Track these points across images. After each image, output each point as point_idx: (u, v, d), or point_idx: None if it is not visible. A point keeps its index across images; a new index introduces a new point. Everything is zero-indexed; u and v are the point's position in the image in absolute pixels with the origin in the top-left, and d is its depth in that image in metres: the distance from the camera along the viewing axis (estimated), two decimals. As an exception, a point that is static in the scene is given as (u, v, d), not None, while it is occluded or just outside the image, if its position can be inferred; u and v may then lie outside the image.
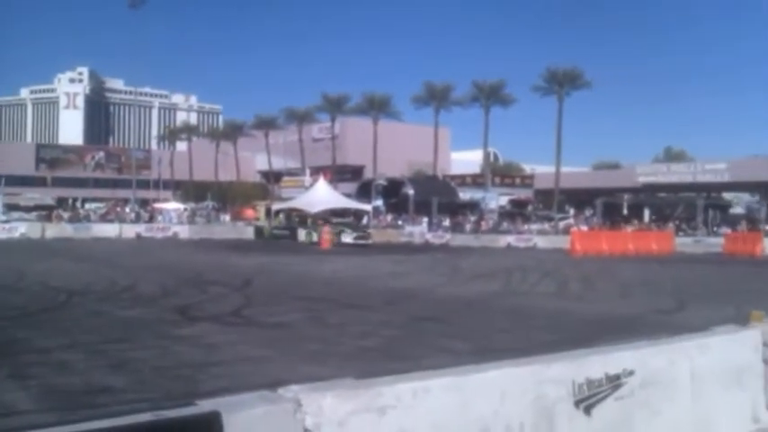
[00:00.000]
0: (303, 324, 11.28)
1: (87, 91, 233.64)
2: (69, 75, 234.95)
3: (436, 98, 66.23)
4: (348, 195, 52.45)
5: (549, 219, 48.28)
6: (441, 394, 3.52)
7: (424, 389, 3.47)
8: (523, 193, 63.25)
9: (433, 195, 49.40)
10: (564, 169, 60.03)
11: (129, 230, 42.06)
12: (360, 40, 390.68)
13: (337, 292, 15.90)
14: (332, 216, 41.78)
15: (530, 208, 57.62)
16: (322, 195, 44.14)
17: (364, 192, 57.72)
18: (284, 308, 13.00)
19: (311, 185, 51.66)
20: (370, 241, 37.38)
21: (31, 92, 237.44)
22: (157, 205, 57.53)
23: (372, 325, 11.05)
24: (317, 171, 62.34)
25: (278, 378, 6.63)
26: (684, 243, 35.96)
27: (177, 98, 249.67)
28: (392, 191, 57.06)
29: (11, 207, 50.80)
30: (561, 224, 45.06)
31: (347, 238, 36.58)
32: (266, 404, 2.97)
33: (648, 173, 55.58)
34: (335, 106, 72.03)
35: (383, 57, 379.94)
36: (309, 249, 33.75)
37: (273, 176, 75.29)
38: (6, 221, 41.34)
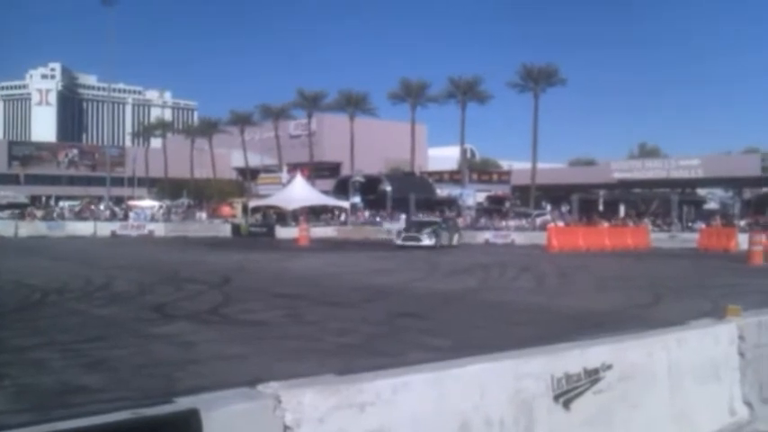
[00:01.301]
0: (282, 321, 11.23)
1: (60, 87, 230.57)
2: (41, 71, 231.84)
3: (412, 95, 66.31)
4: (326, 192, 52.38)
5: (527, 215, 48.54)
6: (421, 390, 3.52)
7: (404, 384, 3.46)
8: (500, 190, 63.52)
9: (410, 192, 49.47)
10: (540, 165, 60.41)
11: (104, 228, 41.67)
12: (335, 37, 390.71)
13: (315, 289, 15.84)
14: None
15: (507, 204, 57.89)
16: (299, 192, 44.04)
17: (342, 188, 57.63)
18: (262, 305, 12.94)
19: (288, 182, 51.48)
20: (426, 242, 31.66)
21: (2, 88, 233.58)
22: (132, 203, 56.95)
23: (351, 322, 11.04)
24: (294, 168, 62.08)
25: (257, 376, 6.58)
26: (660, 238, 36.35)
27: (151, 94, 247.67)
28: (370, 188, 57.02)
29: (-18, 205, 50.02)
30: (538, 220, 45.29)
31: (398, 240, 32.81)
32: (245, 401, 2.95)
33: (623, 169, 56.11)
34: (312, 103, 71.87)
35: (359, 54, 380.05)
36: (287, 246, 33.62)
37: (250, 173, 74.90)
38: (-22, 220, 40.75)
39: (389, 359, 7.75)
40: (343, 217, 48.84)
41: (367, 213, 51.66)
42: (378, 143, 72.14)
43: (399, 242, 32.28)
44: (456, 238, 34.40)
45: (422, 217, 41.08)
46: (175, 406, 2.71)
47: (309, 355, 8.38)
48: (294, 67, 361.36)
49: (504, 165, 78.15)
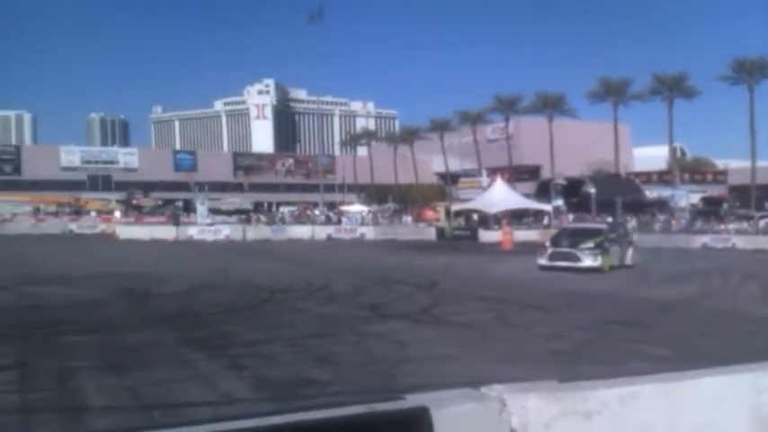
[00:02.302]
0: (489, 324, 11.33)
1: (274, 102, 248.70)
2: (257, 87, 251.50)
3: (613, 93, 63.58)
4: (526, 195, 51.72)
5: (748, 217, 44.50)
6: (649, 401, 3.41)
7: (632, 395, 3.37)
8: (716, 190, 58.98)
9: (616, 194, 47.32)
10: (760, 164, 55.27)
11: (321, 232, 44.35)
12: (527, 40, 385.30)
13: (519, 292, 15.77)
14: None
15: (725, 206, 53.51)
16: (500, 196, 43.90)
17: (543, 191, 56.57)
18: (469, 307, 13.14)
19: (489, 186, 51.48)
20: (587, 262, 21.10)
21: (225, 104, 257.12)
22: (343, 208, 60.09)
23: (558, 327, 10.87)
24: (493, 172, 62.03)
25: (471, 376, 6.74)
26: None
27: (356, 105, 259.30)
28: (572, 190, 55.45)
29: (214, 211, 55.53)
30: (762, 223, 41.43)
31: (541, 259, 22.03)
32: (472, 402, 3.03)
33: None
34: (508, 106, 71.54)
35: (552, 54, 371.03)
36: (491, 249, 33.59)
37: (450, 178, 75.91)
38: (212, 224, 45.34)
39: (605, 367, 7.56)
40: (546, 220, 47.93)
41: (571, 217, 50.22)
42: (577, 144, 70.01)
43: (544, 262, 21.87)
44: (630, 254, 23.62)
45: (580, 223, 33.78)
46: (406, 403, 2.87)
47: (519, 358, 8.38)
48: (487, 70, 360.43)
49: (720, 164, 72.39)
